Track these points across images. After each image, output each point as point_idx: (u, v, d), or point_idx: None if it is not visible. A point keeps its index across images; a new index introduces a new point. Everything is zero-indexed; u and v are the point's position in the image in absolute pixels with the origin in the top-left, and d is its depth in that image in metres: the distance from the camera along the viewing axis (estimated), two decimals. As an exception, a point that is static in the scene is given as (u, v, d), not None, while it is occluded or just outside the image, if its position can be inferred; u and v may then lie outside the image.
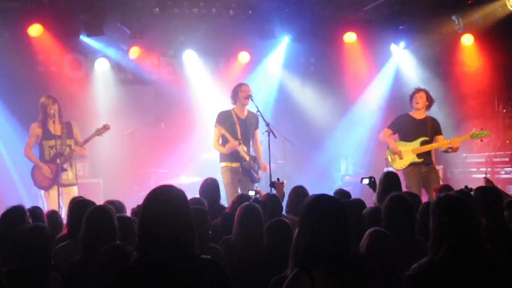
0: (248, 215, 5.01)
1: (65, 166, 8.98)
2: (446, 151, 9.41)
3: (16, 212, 5.13)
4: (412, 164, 9.14)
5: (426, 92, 9.35)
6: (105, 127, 9.22)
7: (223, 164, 9.26)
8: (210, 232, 5.22)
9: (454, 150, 9.25)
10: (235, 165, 9.18)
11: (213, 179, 7.39)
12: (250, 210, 5.08)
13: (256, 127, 9.51)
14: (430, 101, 9.32)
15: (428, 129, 9.22)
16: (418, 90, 9.39)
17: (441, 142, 9.18)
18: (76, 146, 9.12)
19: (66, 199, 8.54)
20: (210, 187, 7.21)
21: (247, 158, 9.21)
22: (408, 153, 9.19)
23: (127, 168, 11.76)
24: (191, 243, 3.09)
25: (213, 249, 4.81)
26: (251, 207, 5.13)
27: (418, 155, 9.13)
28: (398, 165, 9.27)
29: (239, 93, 9.29)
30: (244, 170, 9.22)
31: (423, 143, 9.16)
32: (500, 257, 3.57)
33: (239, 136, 9.22)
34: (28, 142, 9.08)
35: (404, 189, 8.13)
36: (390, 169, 9.25)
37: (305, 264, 3.10)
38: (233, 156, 9.16)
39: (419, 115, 9.33)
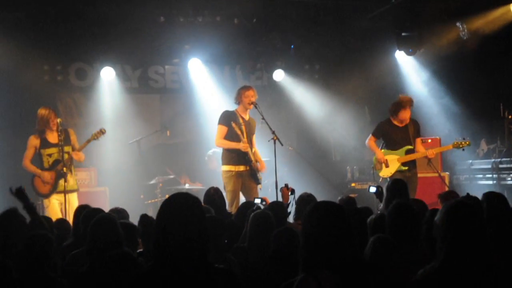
0: (263, 223, 5.03)
1: (65, 173, 8.93)
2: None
3: (8, 215, 5.07)
4: (397, 171, 9.36)
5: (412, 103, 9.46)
6: (101, 131, 9.21)
7: (227, 168, 9.05)
8: (226, 241, 5.22)
9: (428, 159, 9.48)
10: (241, 168, 9.01)
11: (216, 189, 7.22)
12: (264, 218, 5.10)
13: (254, 132, 9.37)
14: (409, 106, 9.43)
15: (411, 135, 9.41)
16: (411, 103, 9.42)
17: (425, 151, 9.37)
18: (73, 151, 9.11)
19: (67, 205, 8.62)
20: (214, 197, 7.09)
21: (253, 159, 9.07)
22: (394, 161, 9.43)
23: (133, 177, 11.78)
24: (205, 252, 3.11)
25: (228, 259, 4.81)
26: (265, 215, 5.16)
27: (403, 163, 9.38)
28: (385, 173, 9.50)
29: (243, 97, 9.12)
30: (251, 172, 9.06)
31: (408, 152, 9.38)
32: (506, 264, 3.57)
33: (245, 138, 9.03)
34: (27, 154, 9.08)
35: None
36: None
37: (312, 269, 3.12)
38: (239, 158, 8.98)
39: (400, 122, 9.48)
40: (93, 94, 12.23)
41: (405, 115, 9.37)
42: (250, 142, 9.17)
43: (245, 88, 9.34)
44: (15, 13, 10.78)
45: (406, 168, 9.34)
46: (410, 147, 9.39)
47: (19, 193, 5.49)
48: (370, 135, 9.74)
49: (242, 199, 8.98)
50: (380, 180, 9.79)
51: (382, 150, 9.58)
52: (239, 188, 9.00)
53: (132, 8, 11.08)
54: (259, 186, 9.12)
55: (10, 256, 4.51)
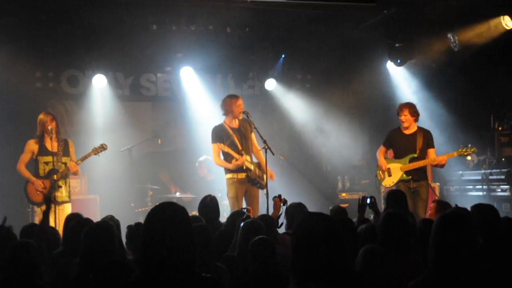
0: (254, 231, 5.02)
1: (59, 183, 8.88)
2: (436, 166, 9.45)
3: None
4: (401, 181, 9.17)
5: (409, 108, 9.26)
6: (103, 147, 9.17)
7: (229, 175, 9.04)
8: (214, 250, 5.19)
9: (440, 166, 9.31)
10: (241, 176, 8.99)
11: (213, 197, 7.19)
12: (254, 226, 5.10)
13: (251, 130, 9.31)
14: (415, 115, 9.27)
15: (418, 144, 9.18)
16: (401, 108, 9.30)
17: (428, 159, 9.15)
18: (71, 162, 9.04)
19: (60, 216, 8.48)
20: (210, 205, 7.07)
21: (252, 167, 9.05)
22: (396, 170, 9.23)
23: (124, 184, 11.75)
24: (192, 261, 3.11)
25: (219, 268, 4.79)
26: (256, 224, 5.15)
27: (406, 173, 9.14)
28: (387, 182, 9.33)
29: (234, 107, 9.11)
30: (251, 180, 9.06)
31: (411, 160, 9.14)
32: (495, 275, 3.58)
33: (240, 148, 9.04)
34: (23, 158, 8.98)
35: None
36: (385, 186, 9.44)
37: (303, 282, 3.12)
38: (239, 167, 9.00)
39: (408, 130, 9.30)
40: (84, 101, 12.22)
41: (402, 118, 9.17)
42: (247, 148, 9.15)
43: (234, 96, 9.36)
44: (7, 18, 10.75)
45: (409, 177, 9.08)
46: (414, 155, 9.12)
47: (48, 201, 6.13)
48: (381, 145, 9.60)
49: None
50: (383, 190, 9.74)
51: (387, 159, 9.45)
52: (241, 195, 8.97)
53: (124, 16, 11.08)
54: (263, 191, 8.99)
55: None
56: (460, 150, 9.16)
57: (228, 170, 9.07)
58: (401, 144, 9.30)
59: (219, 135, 9.07)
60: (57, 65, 11.91)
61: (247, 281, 4.56)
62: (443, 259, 3.36)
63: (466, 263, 3.33)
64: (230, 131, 9.10)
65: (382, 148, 9.54)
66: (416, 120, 9.32)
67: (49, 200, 5.81)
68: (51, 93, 12.12)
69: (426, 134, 9.29)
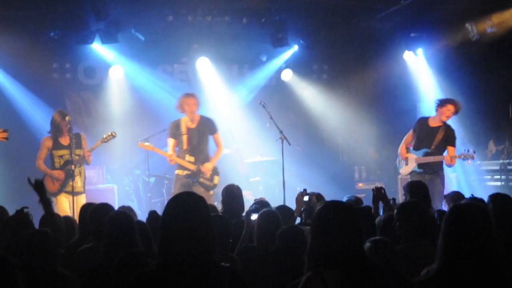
0: (271, 222, 5.02)
1: (75, 173, 9.05)
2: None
3: (19, 218, 5.17)
4: (414, 172, 9.22)
5: (456, 105, 9.17)
6: (112, 135, 9.35)
7: (176, 171, 9.36)
8: (230, 240, 5.20)
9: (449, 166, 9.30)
10: (186, 173, 9.24)
11: (238, 186, 6.87)
12: (272, 217, 5.10)
13: (213, 132, 9.43)
14: (457, 113, 9.27)
15: (436, 139, 9.14)
16: (450, 101, 9.20)
17: (442, 157, 9.11)
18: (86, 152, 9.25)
19: (75, 206, 8.65)
20: (236, 194, 6.75)
21: (193, 167, 9.19)
22: (412, 161, 9.31)
23: (141, 174, 11.81)
24: (210, 250, 3.12)
25: (231, 258, 4.80)
26: (273, 214, 5.16)
27: (419, 165, 9.19)
28: (403, 171, 9.48)
29: (185, 106, 9.29)
30: (193, 180, 9.23)
31: (424, 154, 9.18)
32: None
33: (185, 146, 9.22)
34: (40, 154, 9.26)
35: None
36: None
37: (317, 268, 3.13)
38: (181, 165, 9.24)
39: (435, 122, 9.25)
40: (101, 92, 12.28)
41: (445, 112, 9.09)
42: (197, 149, 9.29)
43: (187, 95, 9.48)
44: (25, 11, 10.83)
45: (422, 170, 9.13)
46: (428, 149, 9.12)
47: (38, 185, 5.43)
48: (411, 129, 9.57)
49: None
50: (400, 177, 9.77)
51: (408, 148, 9.44)
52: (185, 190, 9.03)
53: (141, 6, 11.11)
54: (210, 192, 9.22)
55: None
56: (462, 154, 9.08)
57: (176, 166, 9.32)
58: (422, 134, 9.30)
59: (170, 129, 9.37)
60: (74, 56, 11.95)
61: (274, 270, 4.60)
62: (452, 249, 3.36)
63: (477, 254, 3.32)
64: (183, 128, 9.28)
65: (410, 134, 9.53)
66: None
67: (37, 185, 5.53)
68: (68, 84, 12.19)
69: (448, 131, 9.21)
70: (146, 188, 11.31)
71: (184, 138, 9.23)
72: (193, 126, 9.32)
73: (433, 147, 9.13)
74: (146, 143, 9.55)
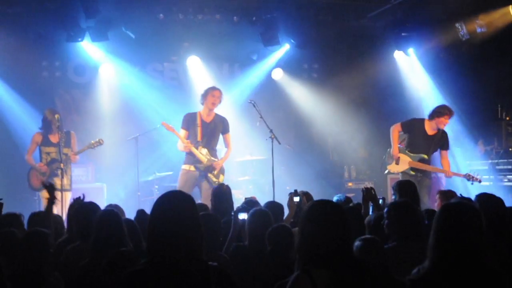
0: (261, 221, 5.02)
1: (58, 171, 9.24)
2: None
3: (11, 218, 5.29)
4: (406, 173, 9.24)
5: (452, 114, 9.23)
6: (99, 142, 9.77)
7: (183, 166, 9.34)
8: (221, 239, 5.20)
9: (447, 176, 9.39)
10: (192, 169, 9.23)
11: (228, 186, 6.99)
12: (263, 216, 5.10)
13: (225, 131, 9.49)
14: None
15: (433, 145, 9.22)
16: (448, 111, 9.18)
17: (439, 169, 9.32)
18: (71, 153, 9.61)
19: (60, 204, 8.65)
20: (227, 194, 6.82)
21: (205, 161, 9.19)
22: (404, 162, 9.28)
23: (130, 173, 11.76)
24: (198, 249, 3.12)
25: (221, 257, 4.80)
26: (264, 213, 5.15)
27: (412, 169, 9.22)
28: (393, 168, 9.49)
29: (209, 97, 9.31)
30: (201, 174, 9.21)
31: (421, 160, 9.20)
32: (499, 265, 3.57)
33: (199, 138, 9.24)
34: (29, 149, 9.65)
35: None
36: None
37: (306, 266, 3.13)
38: (192, 159, 9.21)
39: (432, 130, 9.26)
40: (91, 90, 12.24)
41: (440, 123, 9.13)
42: (208, 143, 9.31)
43: (213, 88, 9.50)
44: (15, 8, 10.78)
45: (414, 173, 9.18)
46: (425, 156, 9.17)
47: (50, 188, 5.96)
48: (399, 123, 9.49)
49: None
50: (386, 172, 9.79)
51: (400, 147, 9.44)
52: (189, 187, 9.10)
53: (131, 4, 11.07)
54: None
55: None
56: (468, 174, 9.21)
57: (184, 161, 9.34)
58: (418, 140, 9.30)
59: (185, 120, 9.39)
60: (64, 53, 11.90)
61: (265, 270, 4.59)
62: (443, 248, 3.36)
63: (468, 252, 3.32)
64: (198, 121, 9.30)
65: (397, 127, 9.45)
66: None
67: (49, 187, 5.89)
68: (57, 82, 12.14)
69: (443, 136, 9.31)
70: (136, 186, 11.28)
71: (198, 130, 9.26)
72: (208, 120, 9.37)
73: (430, 152, 9.23)
74: (169, 124, 9.51)
